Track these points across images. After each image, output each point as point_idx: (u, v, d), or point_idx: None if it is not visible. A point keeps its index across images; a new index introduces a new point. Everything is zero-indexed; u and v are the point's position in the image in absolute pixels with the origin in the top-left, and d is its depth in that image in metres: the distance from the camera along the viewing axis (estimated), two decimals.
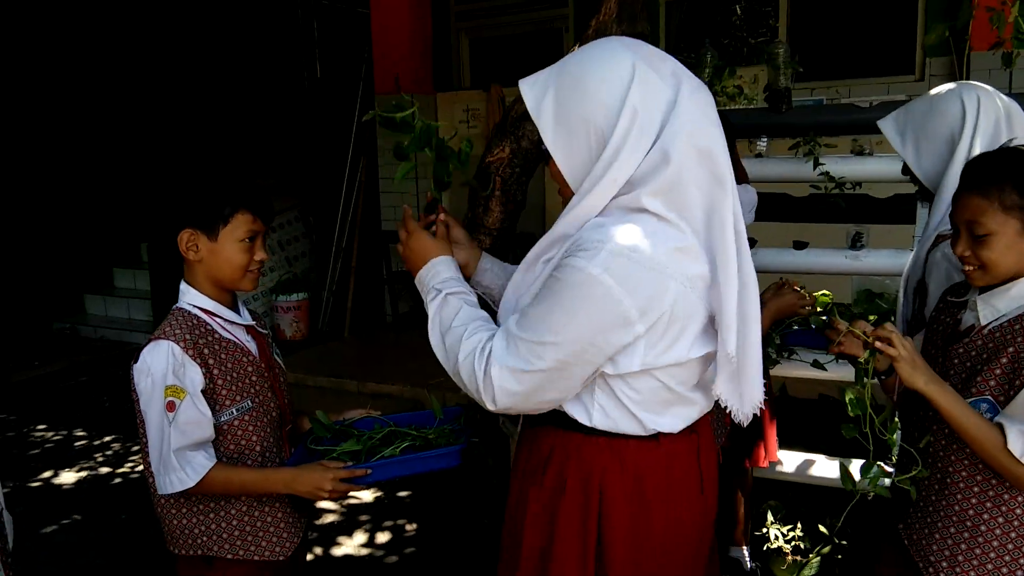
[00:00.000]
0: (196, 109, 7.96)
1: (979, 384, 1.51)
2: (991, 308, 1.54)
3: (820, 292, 2.31)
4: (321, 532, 3.44)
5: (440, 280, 1.49)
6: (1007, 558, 1.49)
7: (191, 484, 1.61)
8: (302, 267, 7.46)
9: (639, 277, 1.25)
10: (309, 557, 3.19)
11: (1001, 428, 1.44)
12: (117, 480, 4.07)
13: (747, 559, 2.86)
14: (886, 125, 2.06)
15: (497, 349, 1.33)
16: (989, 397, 1.49)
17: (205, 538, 1.70)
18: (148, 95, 7.74)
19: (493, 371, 1.32)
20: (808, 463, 2.92)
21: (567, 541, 1.41)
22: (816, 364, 2.44)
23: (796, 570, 2.77)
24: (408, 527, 3.45)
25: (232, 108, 8.04)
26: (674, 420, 1.41)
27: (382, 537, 3.38)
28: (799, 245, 3.18)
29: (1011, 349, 1.48)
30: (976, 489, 1.52)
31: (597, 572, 1.41)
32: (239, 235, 1.69)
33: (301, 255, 7.47)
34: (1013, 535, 1.49)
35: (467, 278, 1.62)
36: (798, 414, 3.79)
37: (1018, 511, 1.49)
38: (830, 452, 3.07)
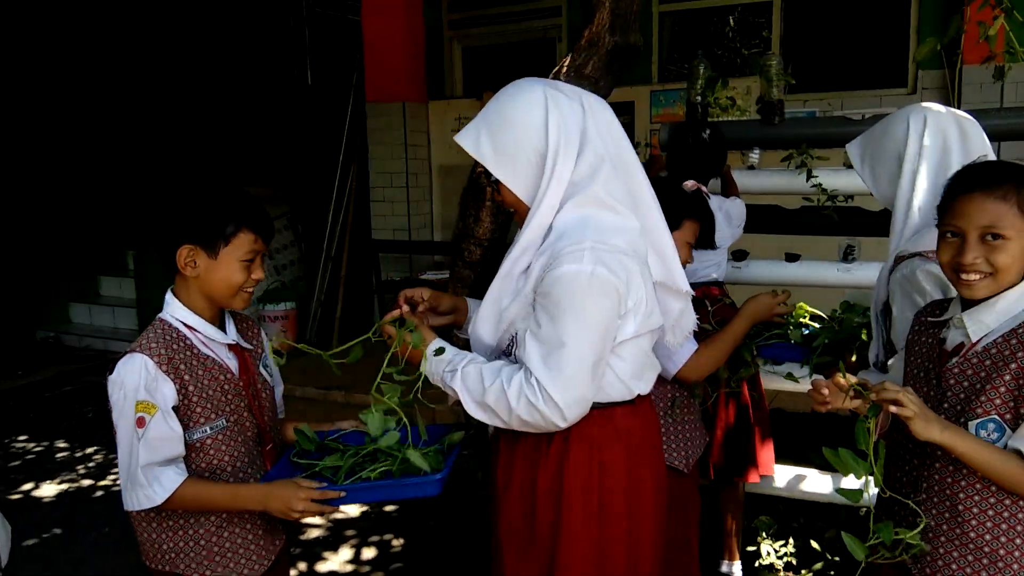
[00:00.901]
0: (186, 116, 7.92)
1: (984, 403, 1.47)
2: (980, 324, 1.51)
3: (797, 304, 2.29)
4: (305, 547, 3.38)
5: (447, 363, 1.61)
6: None
7: (159, 501, 1.58)
8: (290, 276, 7.41)
9: (620, 261, 1.50)
10: (293, 573, 3.14)
11: (1020, 454, 1.41)
12: (99, 493, 4.00)
13: (738, 574, 2.82)
14: (852, 148, 2.08)
15: (542, 376, 1.48)
16: (996, 416, 1.45)
17: (173, 555, 1.66)
18: (137, 102, 7.70)
19: (552, 393, 1.47)
20: (799, 478, 2.89)
21: (574, 509, 1.57)
22: (790, 377, 2.42)
23: None
24: (395, 542, 3.40)
25: (223, 115, 8.00)
26: (647, 383, 1.68)
27: (368, 553, 3.33)
28: (791, 257, 3.16)
29: (1013, 365, 1.44)
30: (991, 513, 1.48)
31: (600, 530, 1.58)
32: (240, 255, 1.66)
33: (290, 263, 7.43)
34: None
35: (459, 325, 1.84)
36: (789, 428, 3.76)
37: None
38: (822, 467, 3.03)
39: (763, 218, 3.48)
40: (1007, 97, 4.23)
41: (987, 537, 1.48)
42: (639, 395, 1.66)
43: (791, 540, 2.80)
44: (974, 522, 1.48)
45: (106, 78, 7.46)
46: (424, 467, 1.61)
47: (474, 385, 1.55)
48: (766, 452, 2.81)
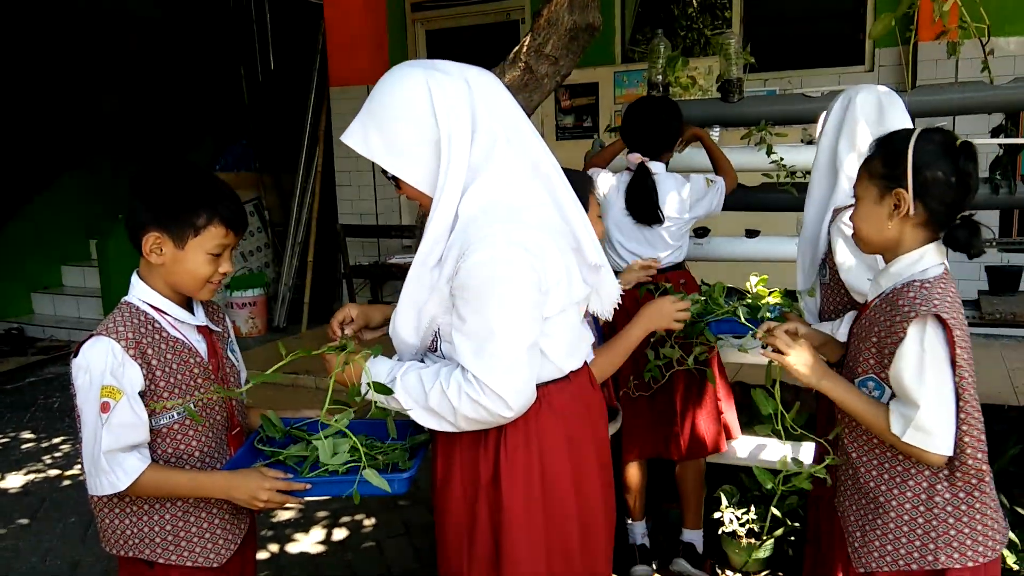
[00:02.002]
0: (149, 101, 7.80)
1: (862, 363, 1.58)
2: (876, 286, 1.62)
3: (692, 296, 2.24)
4: (277, 529, 3.39)
5: (386, 376, 1.53)
6: (912, 534, 1.54)
7: (122, 487, 1.56)
8: (258, 262, 7.36)
9: (532, 237, 1.45)
10: (263, 555, 3.15)
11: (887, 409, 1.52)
12: (66, 483, 3.97)
13: (700, 542, 2.88)
14: (822, 119, 2.36)
15: (478, 370, 1.43)
16: (873, 376, 1.56)
17: (137, 540, 1.65)
18: (98, 88, 7.57)
19: (491, 386, 1.42)
20: (760, 447, 2.95)
21: (516, 495, 1.52)
22: (742, 349, 2.48)
23: (750, 552, 2.80)
24: (366, 522, 3.42)
25: (186, 100, 7.90)
26: (579, 358, 1.63)
27: (339, 533, 3.35)
28: (751, 233, 3.22)
29: (877, 328, 1.54)
30: (875, 469, 1.59)
31: (545, 513, 1.54)
32: (208, 247, 1.62)
33: (257, 250, 7.38)
34: (919, 510, 1.53)
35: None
36: (750, 400, 3.82)
37: (919, 488, 1.53)
38: (782, 436, 3.10)
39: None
40: (962, 72, 4.30)
41: (871, 484, 1.59)
42: (572, 370, 1.61)
43: (752, 508, 2.86)
44: (863, 470, 1.61)
45: (68, 66, 7.32)
46: (383, 487, 1.53)
47: (416, 391, 1.49)
48: (731, 420, 2.88)
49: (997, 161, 3.19)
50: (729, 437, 2.88)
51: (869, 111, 2.17)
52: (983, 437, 1.51)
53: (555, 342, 1.54)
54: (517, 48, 2.85)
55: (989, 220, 5.05)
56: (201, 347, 1.71)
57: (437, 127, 1.45)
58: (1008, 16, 4.88)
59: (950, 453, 1.48)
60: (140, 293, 1.65)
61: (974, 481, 1.51)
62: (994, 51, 4.26)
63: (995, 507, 1.55)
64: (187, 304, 1.71)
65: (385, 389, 1.52)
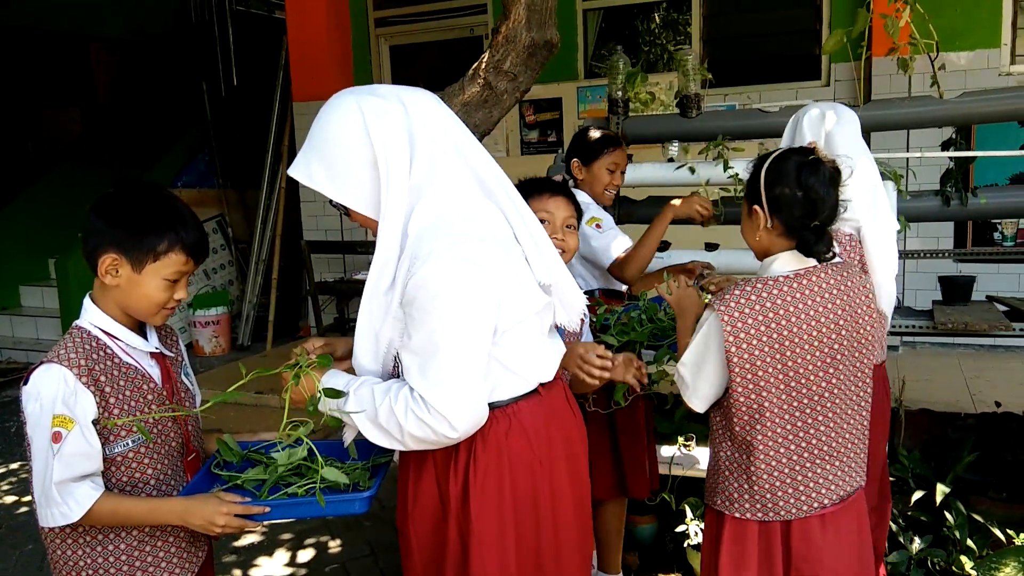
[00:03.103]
0: (109, 117, 7.70)
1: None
2: None
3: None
4: (241, 553, 3.34)
5: (341, 387, 1.53)
6: (712, 478, 1.87)
7: (74, 519, 1.52)
8: (222, 280, 7.27)
9: (481, 250, 1.44)
10: None
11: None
12: (23, 509, 3.87)
13: None
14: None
15: (422, 388, 1.41)
16: None
17: (91, 572, 1.61)
18: (57, 104, 7.45)
19: (435, 405, 1.40)
20: None
21: (486, 516, 1.50)
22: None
23: None
24: (331, 544, 3.38)
25: (147, 117, 7.81)
26: (547, 369, 1.60)
27: (304, 555, 3.30)
28: (710, 247, 3.25)
29: None
30: (716, 426, 1.87)
31: (516, 532, 1.52)
32: (166, 273, 1.59)
33: (220, 267, 7.29)
34: (717, 459, 1.86)
35: None
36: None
37: (723, 446, 1.84)
38: None
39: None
40: (915, 87, 4.41)
41: (714, 439, 1.89)
42: (542, 384, 1.58)
43: None
44: (711, 436, 1.90)
45: (22, 80, 7.20)
46: (343, 481, 1.57)
47: (367, 405, 1.48)
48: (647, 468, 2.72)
49: (948, 174, 3.26)
50: (653, 486, 2.74)
51: (816, 129, 2.31)
52: (757, 416, 1.73)
53: (517, 354, 1.52)
54: (476, 64, 2.86)
55: (943, 231, 5.19)
56: (155, 372, 1.68)
57: (373, 150, 1.45)
58: (958, 31, 5.01)
59: (697, 408, 1.83)
60: (92, 317, 1.62)
61: (744, 448, 1.78)
62: (945, 66, 4.38)
63: (772, 480, 1.75)
64: (140, 328, 1.68)
65: (337, 393, 1.52)
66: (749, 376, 1.71)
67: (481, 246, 1.45)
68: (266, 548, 3.37)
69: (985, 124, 4.43)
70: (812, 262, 1.74)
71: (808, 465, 1.75)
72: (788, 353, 1.70)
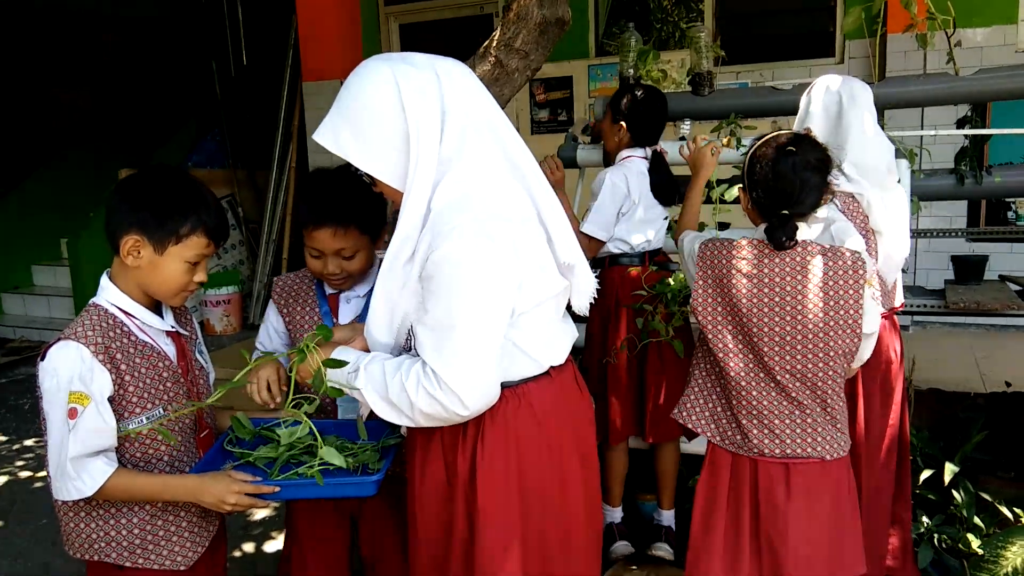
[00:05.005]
0: (120, 97, 7.71)
1: None
2: None
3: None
4: (253, 527, 3.37)
5: (351, 365, 1.52)
6: (684, 394, 1.99)
7: (88, 493, 1.55)
8: (233, 259, 7.30)
9: (504, 229, 1.42)
10: (238, 554, 3.14)
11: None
12: (38, 484, 3.92)
13: (673, 523, 2.94)
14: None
15: (436, 364, 1.39)
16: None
17: (103, 544, 1.63)
18: (69, 84, 7.46)
19: (448, 381, 1.38)
20: None
21: (492, 493, 1.49)
22: None
23: None
24: None
25: (158, 96, 7.80)
26: (561, 352, 1.59)
27: None
28: (722, 226, 3.23)
29: None
30: (698, 353, 2.00)
31: (522, 511, 1.51)
32: (188, 256, 1.61)
33: (231, 247, 7.31)
34: (706, 386, 1.97)
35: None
36: None
37: (702, 366, 1.97)
38: None
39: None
40: (930, 64, 4.35)
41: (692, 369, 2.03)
42: (553, 366, 1.57)
43: None
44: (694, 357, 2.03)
45: (35, 60, 7.21)
46: (340, 464, 1.58)
47: (377, 381, 1.46)
48: None
49: (963, 152, 3.23)
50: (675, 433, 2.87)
51: (829, 104, 2.33)
52: (721, 355, 1.86)
53: (532, 336, 1.51)
54: (487, 42, 2.84)
55: (957, 210, 5.15)
56: (170, 350, 1.70)
57: (406, 121, 1.42)
58: (976, 7, 4.94)
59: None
60: (109, 296, 1.63)
61: (717, 375, 1.92)
62: (961, 42, 4.32)
63: (738, 415, 1.86)
64: (155, 307, 1.70)
65: (339, 363, 1.51)
66: (710, 319, 1.87)
67: (506, 226, 1.43)
68: (278, 523, 3.40)
69: (1001, 101, 4.38)
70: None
71: (766, 414, 1.83)
72: (744, 311, 1.81)
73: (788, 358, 1.80)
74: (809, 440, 1.82)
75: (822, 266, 1.78)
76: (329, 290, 1.98)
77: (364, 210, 1.86)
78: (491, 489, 1.50)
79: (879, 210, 2.27)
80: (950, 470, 2.73)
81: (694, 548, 1.93)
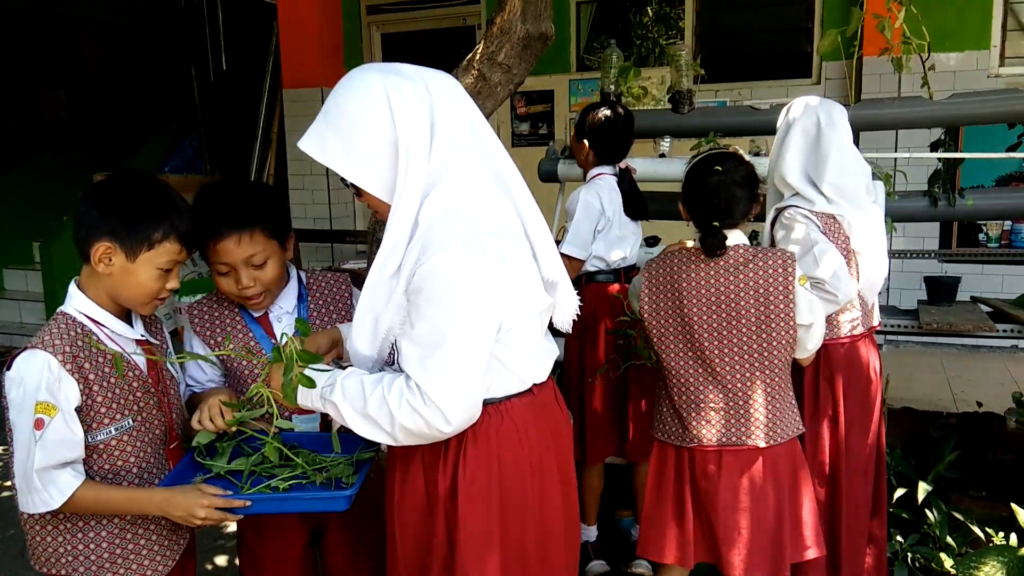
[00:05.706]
0: (96, 100, 7.62)
1: None
2: None
3: None
4: (227, 539, 3.32)
5: (326, 378, 1.49)
6: (661, 404, 2.17)
7: (55, 506, 1.51)
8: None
9: (493, 244, 1.41)
10: (208, 567, 3.09)
11: None
12: (5, 494, 3.84)
13: None
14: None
15: (421, 379, 1.37)
16: None
17: (70, 558, 1.60)
18: (42, 85, 7.37)
19: (433, 396, 1.36)
20: None
21: (473, 510, 1.48)
22: None
23: None
24: None
25: (134, 100, 7.73)
26: (543, 369, 1.59)
27: None
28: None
29: None
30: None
31: (502, 528, 1.50)
32: (160, 263, 1.58)
33: None
34: (660, 392, 2.19)
35: (341, 357, 1.70)
36: None
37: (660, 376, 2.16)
38: None
39: (675, 205, 3.57)
40: (905, 86, 4.43)
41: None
42: (536, 383, 1.56)
43: None
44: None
45: (7, 61, 7.11)
46: (337, 472, 1.59)
47: (355, 396, 1.42)
48: None
49: (936, 174, 3.28)
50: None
51: (808, 125, 2.38)
52: (663, 357, 2.10)
53: (517, 353, 1.50)
54: (470, 55, 2.85)
55: (929, 231, 5.22)
56: (140, 360, 1.67)
57: (395, 132, 1.40)
58: (950, 32, 5.04)
59: None
60: (78, 304, 1.60)
61: (663, 377, 2.14)
62: (935, 66, 4.39)
63: (679, 410, 2.07)
64: (125, 316, 1.67)
65: (309, 381, 1.48)
66: (655, 322, 2.09)
67: (495, 241, 1.41)
68: None
69: (973, 126, 4.46)
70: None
71: (703, 406, 2.04)
72: (686, 312, 2.02)
73: (727, 351, 2.01)
74: (744, 429, 2.02)
75: (752, 266, 1.98)
76: (256, 312, 1.87)
77: (264, 212, 1.77)
78: (472, 506, 1.48)
79: (859, 231, 2.30)
80: (923, 489, 2.75)
81: (644, 530, 2.17)
